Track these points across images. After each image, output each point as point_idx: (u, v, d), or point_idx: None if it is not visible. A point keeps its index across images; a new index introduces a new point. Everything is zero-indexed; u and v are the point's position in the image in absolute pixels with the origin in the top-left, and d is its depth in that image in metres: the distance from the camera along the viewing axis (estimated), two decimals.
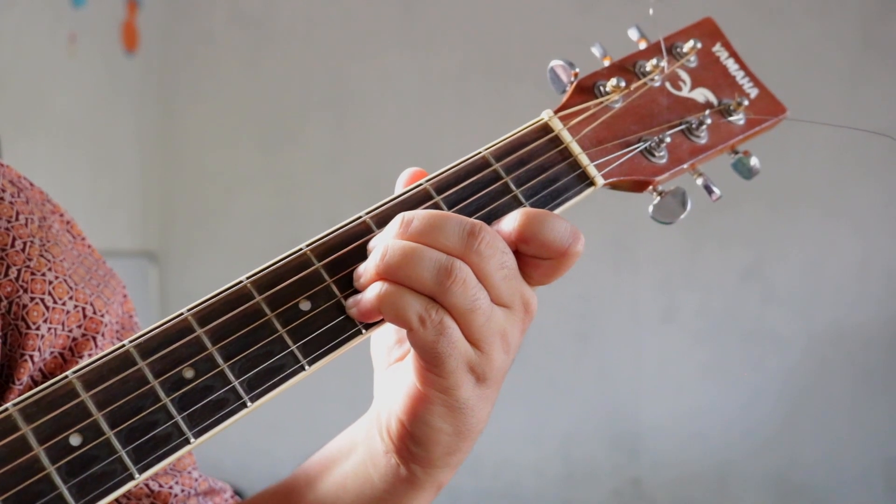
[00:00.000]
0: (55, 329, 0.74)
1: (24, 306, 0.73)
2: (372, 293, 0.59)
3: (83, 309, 0.76)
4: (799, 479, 2.98)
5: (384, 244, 0.59)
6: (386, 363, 0.69)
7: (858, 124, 2.76)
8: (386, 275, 0.59)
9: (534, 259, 0.61)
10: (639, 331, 3.13)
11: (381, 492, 0.68)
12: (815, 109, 2.73)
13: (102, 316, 0.77)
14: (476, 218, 0.62)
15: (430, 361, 0.59)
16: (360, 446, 0.70)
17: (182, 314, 0.58)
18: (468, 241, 0.59)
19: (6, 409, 0.54)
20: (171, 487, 0.79)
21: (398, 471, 0.67)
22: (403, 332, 0.67)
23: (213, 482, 0.83)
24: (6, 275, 0.73)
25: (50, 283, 0.74)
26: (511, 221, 0.61)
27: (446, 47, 3.29)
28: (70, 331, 0.75)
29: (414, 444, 0.64)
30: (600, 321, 3.16)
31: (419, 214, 0.60)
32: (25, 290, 0.73)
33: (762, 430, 3.00)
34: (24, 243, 0.75)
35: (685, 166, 0.71)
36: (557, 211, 0.66)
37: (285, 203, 3.42)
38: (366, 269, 0.60)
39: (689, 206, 0.69)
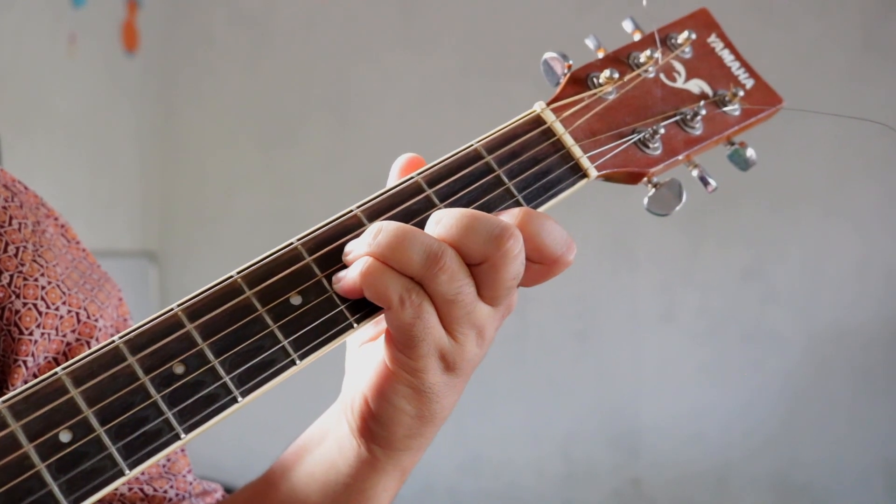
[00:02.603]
0: (48, 334, 0.74)
1: (17, 312, 0.73)
2: (356, 269, 0.59)
3: (77, 314, 0.75)
4: (799, 480, 2.97)
5: (379, 224, 0.59)
6: (359, 341, 0.69)
7: (858, 124, 2.76)
8: (375, 254, 0.59)
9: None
10: (638, 331, 3.12)
11: (346, 476, 0.68)
12: (815, 109, 2.71)
13: (96, 321, 0.77)
14: None
15: (404, 342, 0.59)
16: (331, 433, 0.70)
17: (172, 309, 0.58)
18: (495, 241, 0.58)
19: None
20: (165, 492, 0.78)
21: (360, 452, 0.66)
22: None
23: (206, 485, 0.83)
24: None
25: (43, 288, 0.74)
26: (510, 219, 0.60)
27: (446, 47, 3.29)
28: (64, 336, 0.75)
29: (375, 422, 0.64)
30: (600, 321, 3.16)
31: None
32: (18, 296, 0.73)
33: (762, 430, 2.99)
34: (17, 248, 0.74)
35: (680, 157, 0.70)
36: (550, 203, 0.66)
37: (285, 203, 3.42)
38: (356, 247, 0.61)
39: (684, 198, 0.68)
